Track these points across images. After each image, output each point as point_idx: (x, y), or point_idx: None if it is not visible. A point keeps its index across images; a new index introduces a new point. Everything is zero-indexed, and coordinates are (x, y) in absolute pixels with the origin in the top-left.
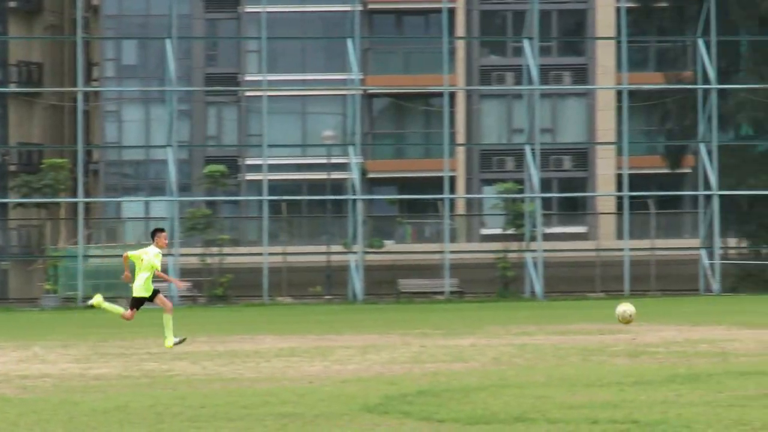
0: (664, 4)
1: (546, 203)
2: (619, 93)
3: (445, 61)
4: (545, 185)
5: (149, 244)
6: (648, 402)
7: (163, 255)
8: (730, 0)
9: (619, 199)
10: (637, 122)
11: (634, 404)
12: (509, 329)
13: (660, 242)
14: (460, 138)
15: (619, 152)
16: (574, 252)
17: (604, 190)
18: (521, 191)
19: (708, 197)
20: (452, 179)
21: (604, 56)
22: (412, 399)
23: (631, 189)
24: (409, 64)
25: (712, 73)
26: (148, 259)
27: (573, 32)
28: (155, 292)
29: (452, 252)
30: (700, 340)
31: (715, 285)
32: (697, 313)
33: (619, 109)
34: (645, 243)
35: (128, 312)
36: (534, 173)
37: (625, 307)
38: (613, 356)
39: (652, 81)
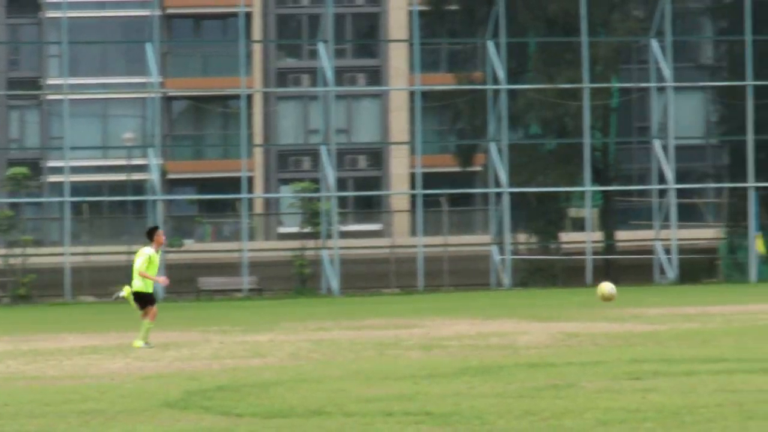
0: (454, 7)
1: (342, 202)
2: (412, 94)
3: (242, 64)
4: (341, 184)
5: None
6: (441, 394)
7: None
8: (519, 3)
9: (413, 197)
10: (430, 122)
11: (428, 396)
12: (306, 325)
13: (452, 239)
14: (258, 139)
15: (413, 151)
16: (370, 249)
17: (398, 189)
18: (317, 190)
19: (499, 194)
20: (250, 179)
21: (397, 58)
22: (211, 394)
23: (424, 187)
24: (207, 67)
25: (501, 74)
26: (142, 259)
27: (367, 35)
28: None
29: (250, 250)
30: (492, 333)
31: (506, 279)
32: (489, 307)
33: (412, 109)
34: (438, 239)
35: (152, 310)
36: (330, 173)
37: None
38: (408, 350)
39: (444, 82)
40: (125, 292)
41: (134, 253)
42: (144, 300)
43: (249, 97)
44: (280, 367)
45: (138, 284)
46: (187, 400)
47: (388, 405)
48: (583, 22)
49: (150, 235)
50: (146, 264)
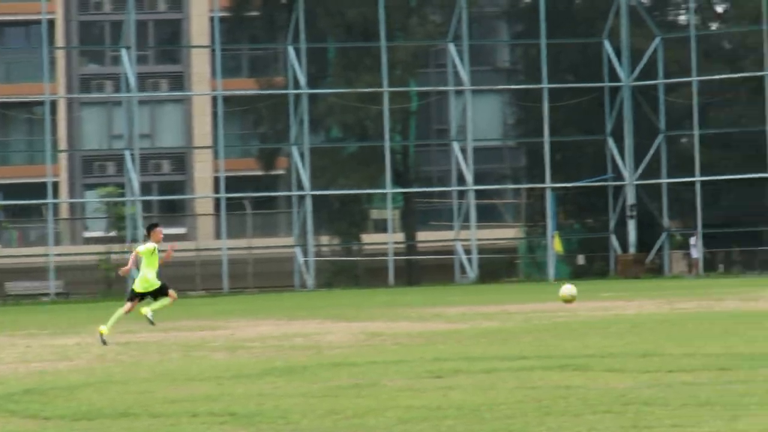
0: (255, 13)
1: (146, 206)
2: (215, 99)
3: (45, 70)
4: (145, 188)
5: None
6: (245, 394)
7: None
8: (318, 9)
9: (217, 200)
10: (233, 126)
11: (233, 397)
12: (113, 327)
13: (257, 241)
14: (63, 144)
15: (216, 155)
16: (175, 252)
17: (202, 193)
18: (122, 195)
19: (301, 197)
20: (55, 184)
21: (200, 64)
22: (18, 398)
23: (228, 191)
24: (10, 74)
25: (302, 79)
26: (139, 249)
27: (169, 41)
28: (164, 288)
29: (57, 255)
30: (296, 333)
31: (310, 281)
32: (293, 308)
33: (215, 114)
34: (242, 242)
35: (172, 295)
36: (134, 177)
37: (571, 291)
38: (213, 351)
39: (246, 87)
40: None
41: None
42: (159, 291)
43: (53, 103)
44: (87, 369)
45: (150, 278)
46: None
47: (194, 406)
48: (381, 27)
49: (148, 231)
50: (149, 253)
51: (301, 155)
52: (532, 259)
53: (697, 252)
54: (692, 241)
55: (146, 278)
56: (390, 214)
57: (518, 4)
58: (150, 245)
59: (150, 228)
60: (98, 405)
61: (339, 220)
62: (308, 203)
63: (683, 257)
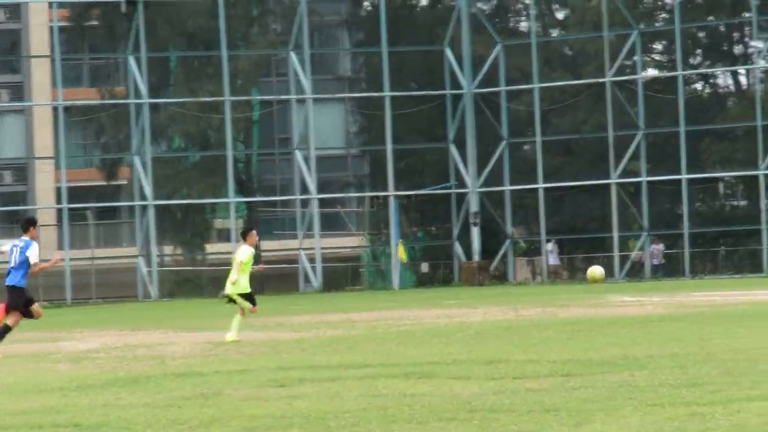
0: (95, 23)
1: None
2: (56, 109)
3: None
4: None
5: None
6: (90, 405)
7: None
8: (158, 18)
9: (59, 211)
10: (74, 137)
11: (77, 408)
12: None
13: (100, 252)
14: None
15: (58, 166)
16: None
17: (44, 203)
18: None
19: (144, 207)
20: None
21: (40, 74)
22: None
23: (71, 201)
24: None
25: (143, 89)
26: (242, 259)
27: (8, 51)
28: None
29: None
30: (139, 344)
31: (153, 291)
32: (137, 318)
33: (56, 124)
34: (85, 253)
35: (254, 308)
36: None
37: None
38: (56, 363)
39: (87, 97)
40: (229, 290)
41: None
42: (249, 298)
43: None
44: None
45: (243, 283)
46: None
47: (38, 418)
48: (222, 37)
49: (244, 235)
50: (251, 260)
51: (144, 165)
52: (376, 267)
53: (554, 258)
54: (549, 246)
55: (239, 282)
56: (233, 223)
57: (359, 12)
58: (250, 251)
59: (245, 232)
60: None
61: (182, 230)
62: (151, 213)
63: (527, 264)
